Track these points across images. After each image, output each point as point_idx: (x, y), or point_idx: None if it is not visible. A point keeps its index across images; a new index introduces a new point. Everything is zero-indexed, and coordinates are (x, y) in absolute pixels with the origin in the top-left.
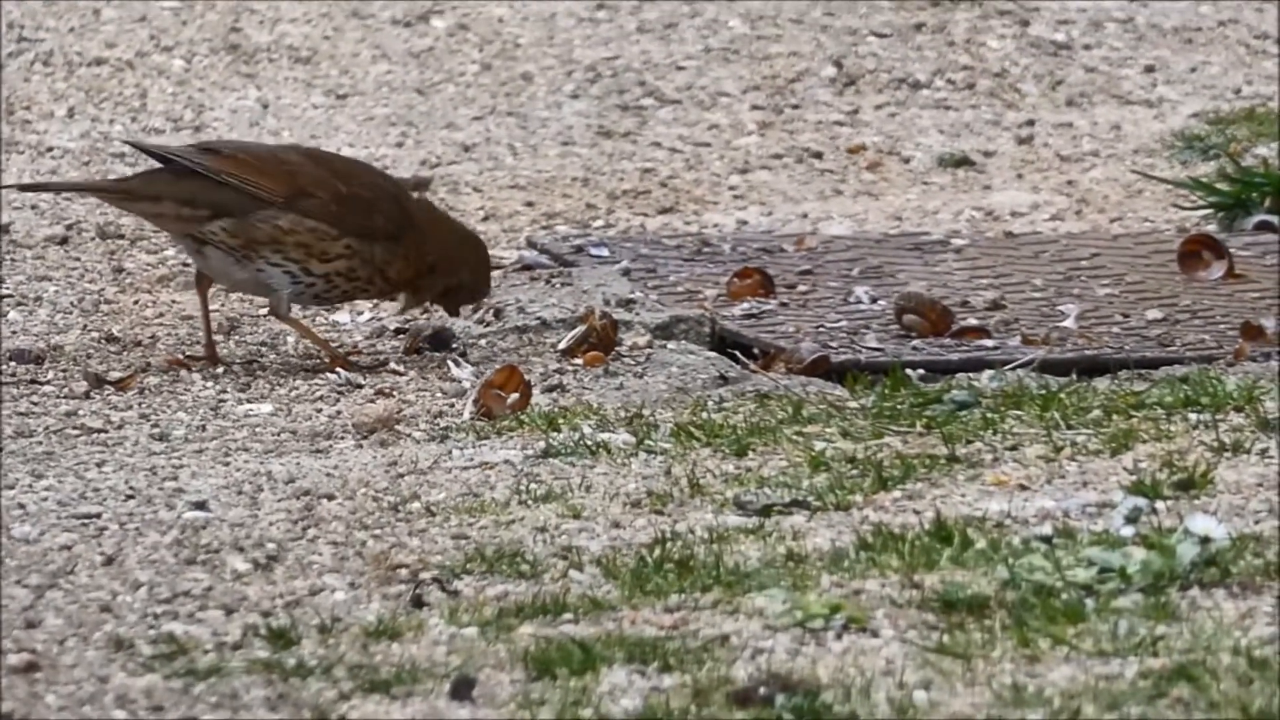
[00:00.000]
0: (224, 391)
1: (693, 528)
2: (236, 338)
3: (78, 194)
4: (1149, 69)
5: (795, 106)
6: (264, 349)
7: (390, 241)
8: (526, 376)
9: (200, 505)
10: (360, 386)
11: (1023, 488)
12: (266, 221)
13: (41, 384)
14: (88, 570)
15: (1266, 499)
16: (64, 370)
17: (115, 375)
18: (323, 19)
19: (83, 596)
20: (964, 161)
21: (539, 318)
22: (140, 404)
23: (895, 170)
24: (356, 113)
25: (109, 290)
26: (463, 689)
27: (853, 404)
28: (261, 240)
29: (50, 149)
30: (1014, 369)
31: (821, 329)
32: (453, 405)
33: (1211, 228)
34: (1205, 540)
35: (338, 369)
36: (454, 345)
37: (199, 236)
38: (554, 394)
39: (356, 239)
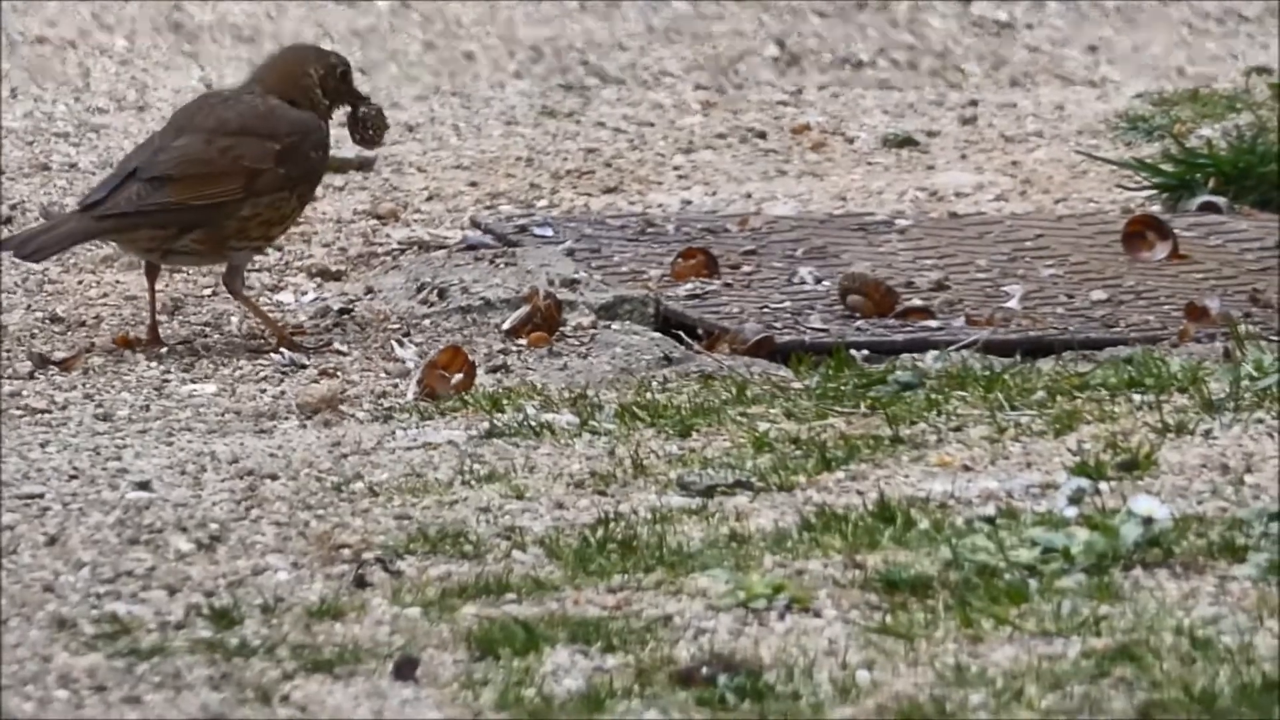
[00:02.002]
0: (168, 372)
1: (636, 508)
2: (180, 318)
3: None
4: (1092, 49)
5: (738, 86)
6: (208, 329)
7: (325, 150)
8: (470, 357)
9: (143, 485)
10: (304, 367)
11: (966, 468)
12: (231, 218)
13: None
14: (30, 550)
15: (1209, 480)
16: (8, 350)
17: (59, 355)
18: None
19: (25, 576)
20: (908, 141)
21: (483, 298)
22: (84, 384)
23: (839, 150)
24: None
25: (53, 270)
26: (406, 669)
27: (797, 385)
28: (230, 234)
29: None
30: (958, 350)
31: (766, 309)
32: (396, 386)
33: (1156, 208)
34: (1148, 521)
35: (282, 349)
36: None
37: (169, 250)
38: (498, 374)
39: (303, 184)
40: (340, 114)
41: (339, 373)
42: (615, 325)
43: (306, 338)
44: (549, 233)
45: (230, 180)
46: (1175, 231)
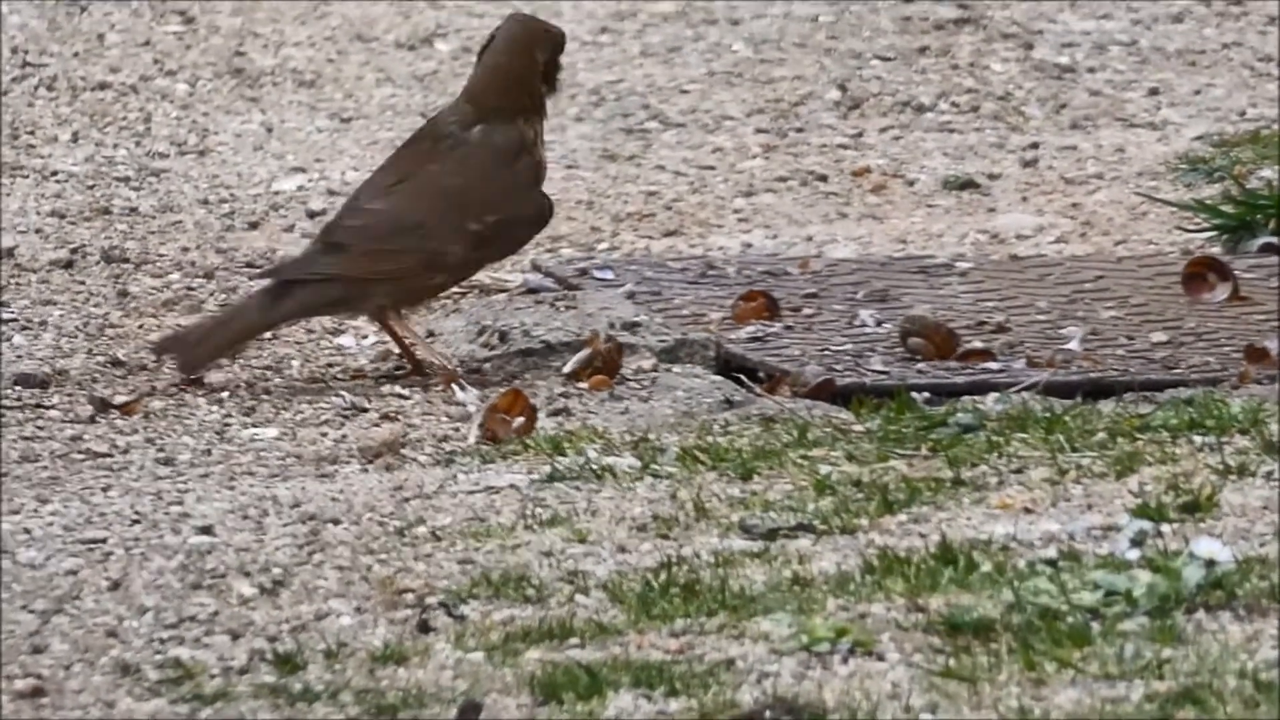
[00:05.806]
0: (229, 416)
1: (698, 552)
2: (241, 361)
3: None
4: (1153, 92)
5: (799, 130)
6: (269, 373)
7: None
8: (531, 400)
9: (206, 530)
10: (365, 410)
11: (1028, 511)
12: (372, 298)
13: (46, 408)
14: (93, 595)
15: (1272, 522)
16: (69, 394)
17: (120, 399)
18: (326, 43)
19: (88, 621)
20: (969, 184)
21: (544, 341)
22: (146, 428)
23: (900, 193)
24: (361, 136)
25: (114, 314)
26: (469, 714)
27: (858, 427)
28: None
29: (55, 173)
30: (1019, 392)
31: (826, 352)
32: (458, 429)
33: (1216, 250)
34: (1210, 563)
35: (451, 384)
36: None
37: None
38: (559, 418)
39: (469, 261)
40: None
41: (400, 416)
42: (676, 368)
43: (366, 381)
44: (609, 276)
45: (406, 260)
46: (1236, 273)
